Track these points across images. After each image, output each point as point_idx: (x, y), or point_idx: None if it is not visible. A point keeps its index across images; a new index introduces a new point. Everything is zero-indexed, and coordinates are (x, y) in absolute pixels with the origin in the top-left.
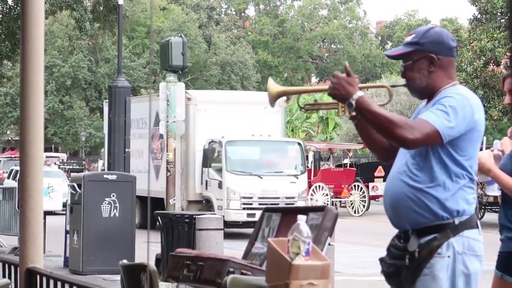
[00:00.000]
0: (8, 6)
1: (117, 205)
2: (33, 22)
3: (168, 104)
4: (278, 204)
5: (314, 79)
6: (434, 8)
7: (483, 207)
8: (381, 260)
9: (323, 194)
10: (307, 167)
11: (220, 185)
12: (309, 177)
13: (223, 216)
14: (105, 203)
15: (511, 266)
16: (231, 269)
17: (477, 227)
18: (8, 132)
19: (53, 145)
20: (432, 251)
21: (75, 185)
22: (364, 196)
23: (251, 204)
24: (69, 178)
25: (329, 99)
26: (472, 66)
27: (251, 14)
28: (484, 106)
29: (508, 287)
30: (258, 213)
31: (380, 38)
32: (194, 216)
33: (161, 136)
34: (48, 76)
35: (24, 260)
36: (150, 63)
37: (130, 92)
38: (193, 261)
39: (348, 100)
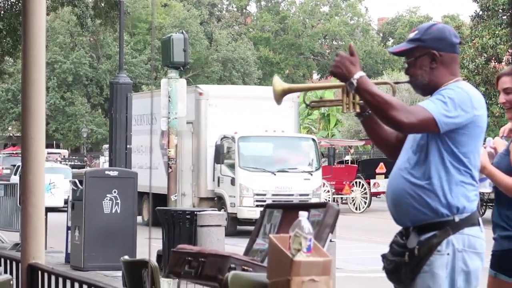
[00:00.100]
0: (9, 2)
1: (119, 201)
2: (35, 19)
3: (169, 101)
4: (292, 201)
5: (315, 76)
6: (436, 5)
7: (484, 203)
8: (383, 256)
9: (325, 190)
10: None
11: (233, 181)
12: None
13: (236, 213)
14: (107, 199)
15: (504, 265)
16: (233, 265)
17: (479, 224)
18: (9, 128)
19: (54, 142)
20: (431, 248)
21: (77, 181)
22: (366, 193)
23: (265, 201)
24: None
25: (332, 96)
26: (474, 63)
27: (252, 10)
28: (486, 102)
29: (502, 286)
30: None
31: (381, 34)
32: (195, 212)
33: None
34: (50, 72)
35: (26, 256)
36: (152, 59)
37: (131, 89)
38: (195, 257)
39: (349, 80)
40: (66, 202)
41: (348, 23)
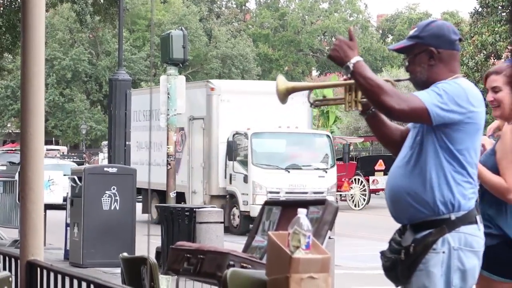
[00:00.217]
0: None
1: (118, 198)
2: (34, 15)
3: (168, 97)
4: (306, 199)
5: (314, 73)
6: (435, 2)
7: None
8: (382, 253)
9: None
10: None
11: (245, 179)
12: None
13: (249, 211)
14: (106, 196)
15: (488, 262)
16: (231, 262)
17: (476, 222)
18: (8, 125)
19: (53, 138)
20: (426, 246)
21: (76, 178)
22: (365, 190)
23: (278, 199)
24: None
25: (331, 95)
26: (473, 60)
27: (251, 7)
28: (484, 99)
29: (486, 282)
30: None
31: (381, 31)
32: (194, 209)
33: (181, 129)
34: (49, 69)
35: (25, 253)
36: (151, 56)
37: (130, 85)
38: (194, 254)
39: (346, 64)
40: (65, 199)
41: (348, 20)
